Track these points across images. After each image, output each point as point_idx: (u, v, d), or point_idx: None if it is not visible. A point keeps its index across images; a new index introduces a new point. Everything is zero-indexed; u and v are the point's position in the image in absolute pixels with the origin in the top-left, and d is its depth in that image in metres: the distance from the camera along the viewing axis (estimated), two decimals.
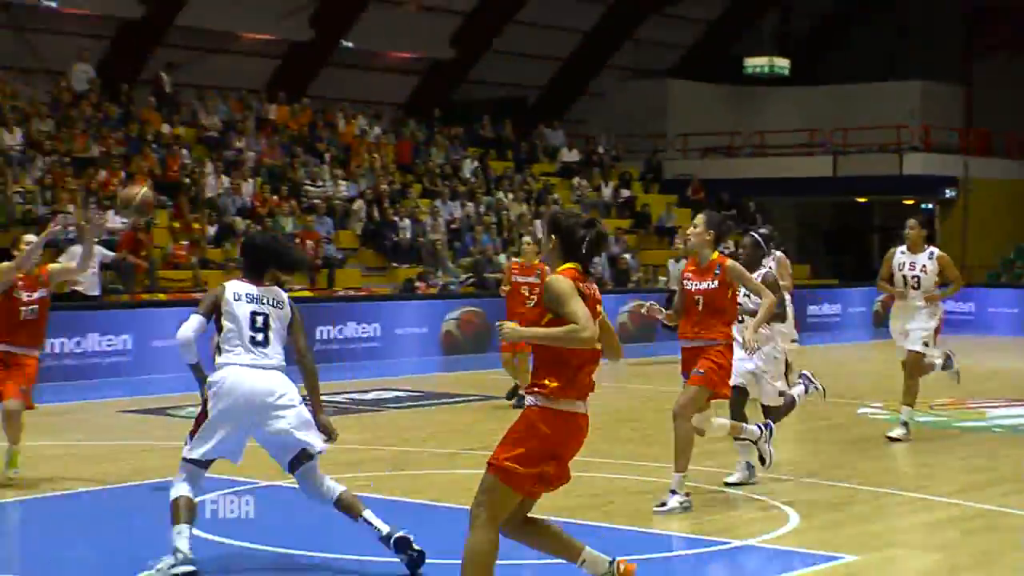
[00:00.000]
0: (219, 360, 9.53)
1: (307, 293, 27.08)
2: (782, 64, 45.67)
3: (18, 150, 28.57)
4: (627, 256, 35.00)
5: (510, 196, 35.69)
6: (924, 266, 15.61)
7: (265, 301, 9.63)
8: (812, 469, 13.61)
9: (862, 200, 46.38)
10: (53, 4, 32.98)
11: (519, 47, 41.70)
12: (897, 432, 15.63)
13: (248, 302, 9.61)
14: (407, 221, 31.72)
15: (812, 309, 35.37)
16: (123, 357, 23.36)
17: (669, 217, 38.79)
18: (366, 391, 20.80)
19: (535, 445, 7.63)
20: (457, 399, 20.53)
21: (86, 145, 29.77)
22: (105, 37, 34.82)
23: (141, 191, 12.30)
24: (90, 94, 32.13)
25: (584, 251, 7.84)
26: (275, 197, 30.92)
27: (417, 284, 29.18)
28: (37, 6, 32.90)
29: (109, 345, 23.28)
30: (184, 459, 9.63)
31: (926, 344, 15.74)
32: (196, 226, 28.53)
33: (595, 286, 7.91)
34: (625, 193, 39.40)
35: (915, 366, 15.70)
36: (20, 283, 12.73)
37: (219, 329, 9.62)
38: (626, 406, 19.57)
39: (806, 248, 43.84)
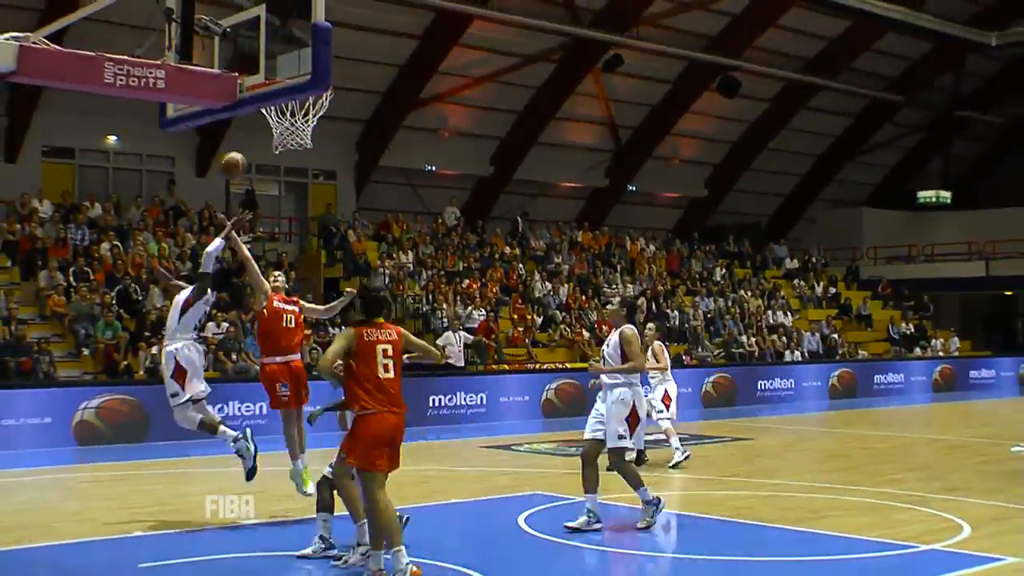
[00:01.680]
0: None
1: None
2: (945, 195, 44.68)
3: (410, 266, 29.58)
4: (834, 336, 34.44)
5: (748, 294, 35.45)
6: None
7: None
8: (977, 492, 13.23)
9: (1008, 293, 44.71)
10: (432, 168, 34.22)
11: (754, 187, 41.57)
12: None
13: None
14: (676, 312, 31.79)
15: (973, 373, 34.40)
16: (481, 409, 23.84)
17: (865, 307, 38.07)
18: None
19: None
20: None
21: (455, 263, 30.66)
22: (467, 188, 35.87)
23: (229, 156, 11.22)
24: (457, 228, 33.11)
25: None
26: (583, 296, 31.32)
27: (684, 357, 29.20)
28: (422, 170, 34.15)
29: (471, 400, 23.78)
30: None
31: None
32: (528, 317, 29.07)
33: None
34: (832, 290, 38.72)
35: None
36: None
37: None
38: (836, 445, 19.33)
39: (968, 329, 42.42)
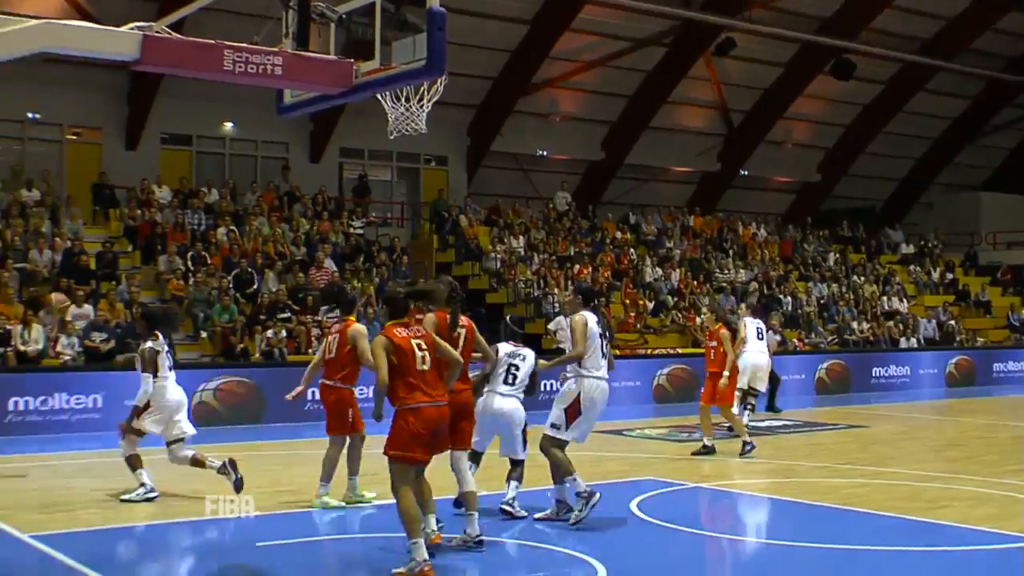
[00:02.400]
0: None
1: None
2: None
3: (521, 251, 29.62)
4: (952, 323, 33.72)
5: (863, 279, 34.88)
6: None
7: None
8: None
9: None
10: (544, 153, 34.24)
11: (868, 171, 40.82)
12: None
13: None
14: (789, 298, 31.41)
15: None
16: None
17: (984, 294, 37.20)
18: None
19: None
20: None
21: (566, 247, 30.64)
22: (578, 173, 35.80)
23: None
24: (568, 212, 33.07)
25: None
26: (695, 281, 31.09)
27: (795, 343, 28.83)
28: (533, 155, 34.19)
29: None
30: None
31: None
32: (640, 302, 28.94)
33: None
34: (949, 276, 37.91)
35: None
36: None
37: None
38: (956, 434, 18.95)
39: None
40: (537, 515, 10.53)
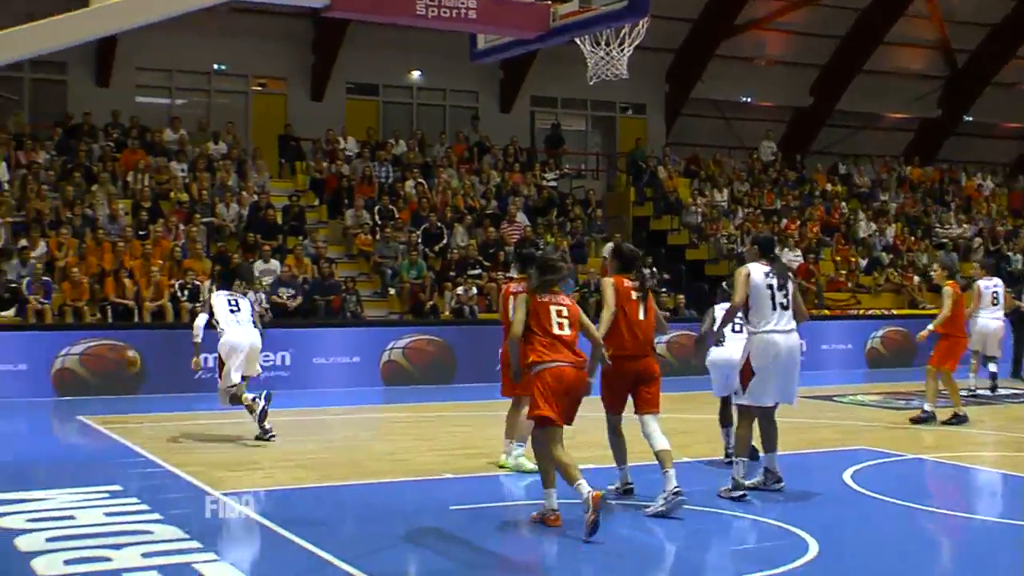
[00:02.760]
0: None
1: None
2: None
3: (724, 205, 29.32)
4: None
5: None
6: None
7: None
8: None
9: None
10: (748, 100, 33.78)
11: None
12: None
13: None
14: (1019, 255, 30.34)
15: None
16: (801, 357, 23.45)
17: None
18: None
19: None
20: None
21: (772, 200, 30.21)
22: (784, 121, 35.19)
23: None
24: (774, 163, 32.57)
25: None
26: (912, 238, 30.30)
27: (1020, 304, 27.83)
28: (737, 102, 33.76)
29: None
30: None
31: None
32: (852, 259, 28.36)
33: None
34: None
35: None
36: None
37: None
38: None
39: None
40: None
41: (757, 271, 10.10)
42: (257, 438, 12.99)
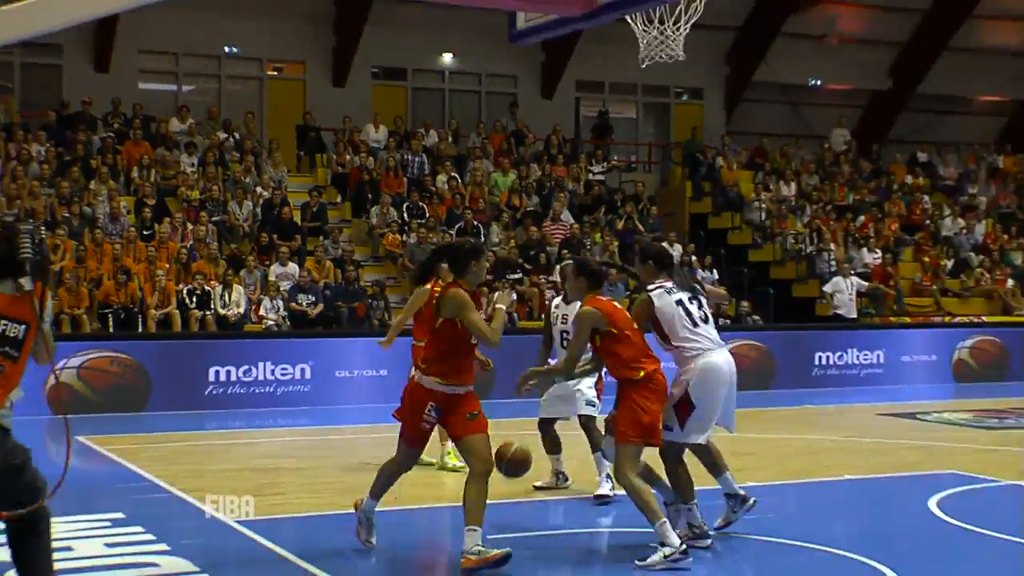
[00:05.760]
0: None
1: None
2: None
3: (791, 200, 29.22)
4: None
5: None
6: None
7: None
8: None
9: None
10: (818, 83, 33.69)
11: None
12: None
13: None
14: None
15: None
16: (877, 369, 23.41)
17: None
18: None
19: None
20: None
21: (845, 195, 30.10)
22: (859, 106, 35.07)
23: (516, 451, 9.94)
24: (847, 153, 32.45)
25: None
26: (1005, 236, 30.11)
27: None
28: (805, 86, 33.68)
29: (865, 359, 23.38)
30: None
31: None
32: (937, 261, 28.22)
33: None
34: None
35: None
36: None
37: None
38: None
39: None
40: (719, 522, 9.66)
41: (660, 297, 9.25)
42: None
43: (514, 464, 9.86)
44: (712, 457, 9.50)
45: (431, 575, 8.60)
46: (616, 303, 9.22)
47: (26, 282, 6.16)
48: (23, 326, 6.25)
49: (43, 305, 6.34)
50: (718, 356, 9.16)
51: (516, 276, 23.05)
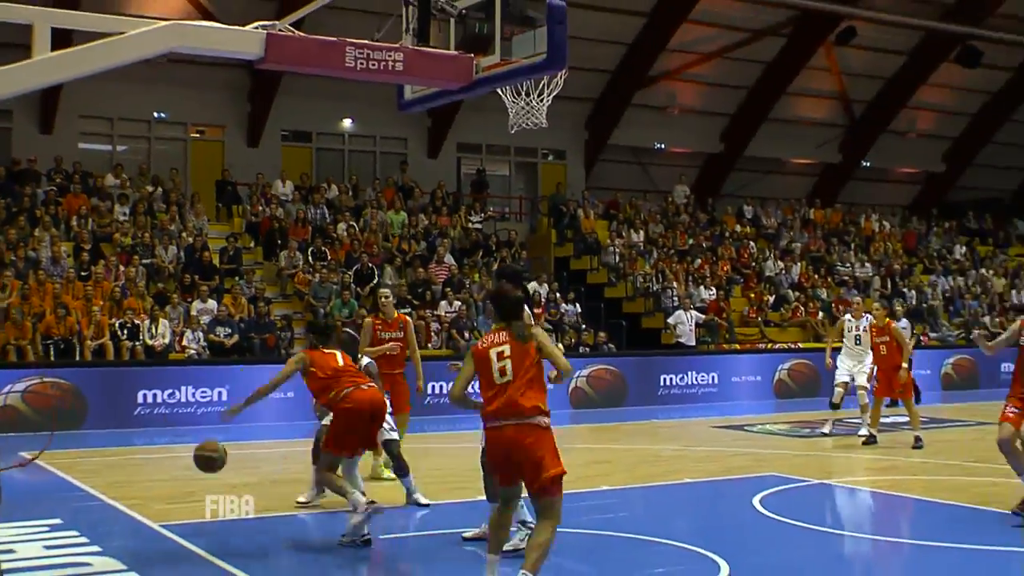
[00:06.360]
0: None
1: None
2: None
3: (640, 245, 29.43)
4: None
5: (991, 272, 34.04)
6: None
7: None
8: None
9: None
10: (662, 146, 34.05)
11: (996, 161, 39.71)
12: None
13: None
14: (913, 291, 30.79)
15: None
16: (712, 388, 23.68)
17: None
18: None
19: None
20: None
21: (685, 241, 30.41)
22: (696, 166, 35.46)
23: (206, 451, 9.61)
24: (687, 206, 32.81)
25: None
26: (816, 275, 30.65)
27: (921, 337, 28.18)
28: (652, 148, 34.03)
29: (703, 380, 23.64)
30: None
31: None
32: (761, 296, 28.61)
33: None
34: None
35: None
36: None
37: None
38: None
39: None
40: (465, 534, 9.30)
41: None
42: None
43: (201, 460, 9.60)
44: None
45: (337, 571, 8.49)
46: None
47: None
48: None
49: None
50: None
51: (405, 310, 22.96)
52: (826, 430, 16.81)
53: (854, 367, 16.92)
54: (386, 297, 13.12)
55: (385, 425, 10.53)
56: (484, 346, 7.41)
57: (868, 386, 17.14)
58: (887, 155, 37.62)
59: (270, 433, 17.61)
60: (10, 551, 8.71)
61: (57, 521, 9.96)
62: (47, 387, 17.62)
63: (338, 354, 9.75)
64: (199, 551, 8.87)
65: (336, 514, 10.69)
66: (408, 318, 13.21)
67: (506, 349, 7.29)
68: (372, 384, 9.82)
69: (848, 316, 17.47)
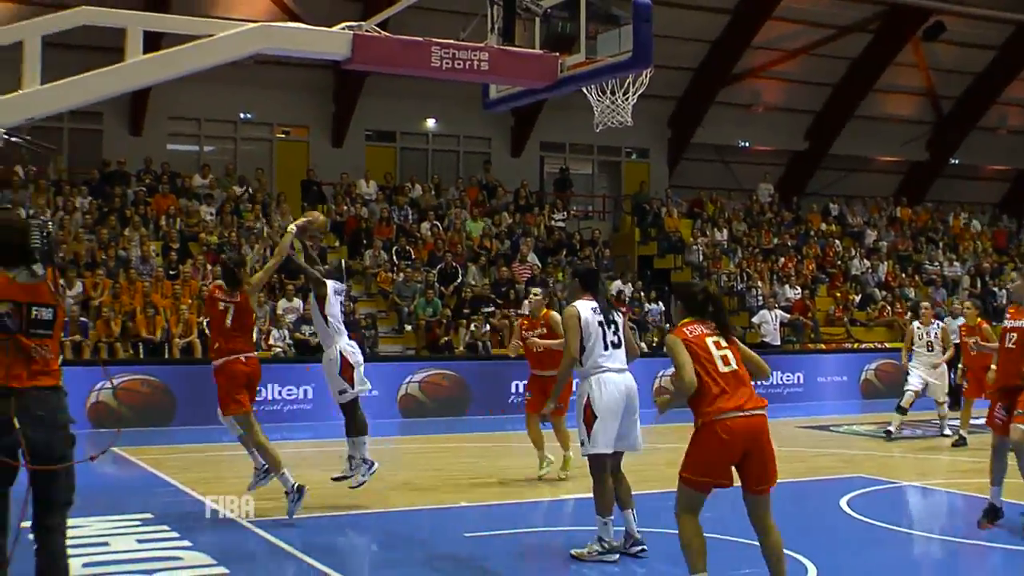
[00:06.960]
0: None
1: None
2: None
3: (724, 244, 29.30)
4: None
5: None
6: None
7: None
8: None
9: None
10: (746, 144, 33.82)
11: None
12: None
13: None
14: (1003, 291, 30.25)
15: None
16: (798, 388, 23.46)
17: None
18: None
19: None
20: None
21: (769, 240, 30.20)
22: (780, 164, 35.20)
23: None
24: (771, 204, 32.58)
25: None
26: (903, 274, 30.25)
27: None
28: (735, 146, 33.82)
29: (788, 379, 23.43)
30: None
31: None
32: (847, 295, 28.31)
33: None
34: None
35: None
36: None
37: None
38: None
39: None
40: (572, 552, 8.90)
41: (585, 308, 8.85)
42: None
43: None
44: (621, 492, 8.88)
45: (425, 569, 8.54)
46: None
47: (38, 268, 6.03)
48: (50, 309, 6.11)
49: (57, 285, 6.19)
50: (617, 376, 8.74)
51: (488, 309, 23.06)
52: (892, 429, 16.63)
53: (930, 375, 16.80)
54: (534, 294, 13.30)
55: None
56: (696, 335, 7.13)
57: (947, 399, 17.07)
58: (976, 152, 37.00)
59: None
60: (104, 544, 8.87)
61: (149, 516, 10.13)
62: (138, 384, 17.94)
63: None
64: (287, 547, 8.97)
65: (427, 511, 10.76)
66: (554, 313, 12.41)
67: (720, 339, 7.19)
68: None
69: (916, 324, 17.22)
